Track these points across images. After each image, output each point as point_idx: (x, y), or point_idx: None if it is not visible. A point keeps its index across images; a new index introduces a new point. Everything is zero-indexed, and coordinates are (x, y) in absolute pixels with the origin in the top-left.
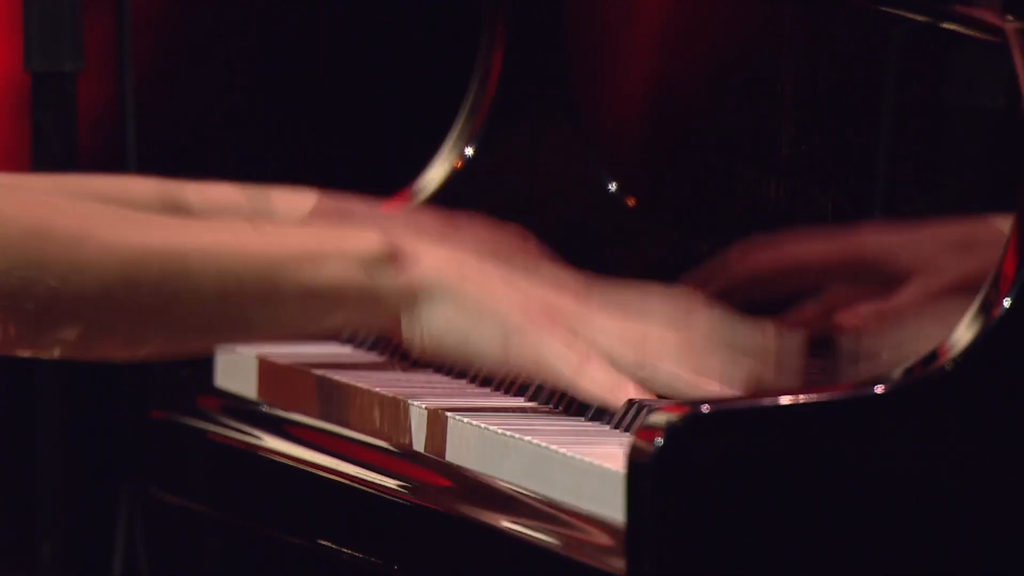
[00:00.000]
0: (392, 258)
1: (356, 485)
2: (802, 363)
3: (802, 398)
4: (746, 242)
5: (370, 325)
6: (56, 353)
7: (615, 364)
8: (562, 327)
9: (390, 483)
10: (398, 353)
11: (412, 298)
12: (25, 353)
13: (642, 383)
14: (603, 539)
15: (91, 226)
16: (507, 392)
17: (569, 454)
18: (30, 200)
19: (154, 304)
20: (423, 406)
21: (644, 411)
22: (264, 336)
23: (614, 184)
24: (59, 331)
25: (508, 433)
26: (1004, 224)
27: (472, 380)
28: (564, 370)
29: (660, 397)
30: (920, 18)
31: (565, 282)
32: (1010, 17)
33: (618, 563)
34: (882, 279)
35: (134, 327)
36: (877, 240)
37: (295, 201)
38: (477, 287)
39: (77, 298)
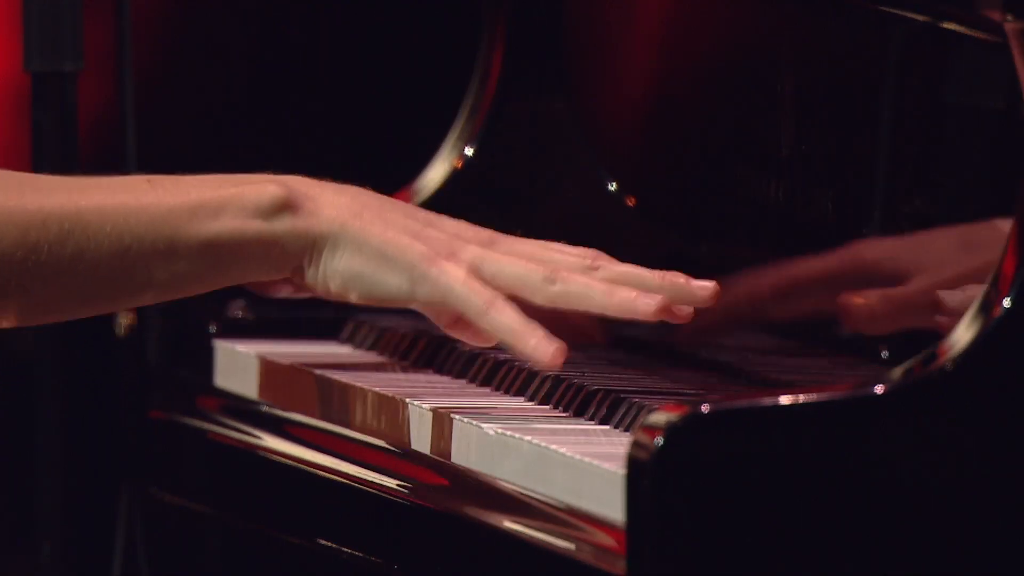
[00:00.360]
0: (290, 205)
1: (356, 485)
2: (711, 298)
3: (802, 398)
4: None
5: (273, 274)
6: None
7: (524, 280)
8: (466, 267)
9: (390, 483)
10: (398, 353)
11: (313, 245)
12: None
13: (554, 300)
14: (603, 539)
15: None
16: (507, 392)
17: (569, 454)
18: None
19: (55, 266)
20: (423, 406)
21: (643, 411)
22: (169, 292)
23: (614, 184)
24: None
25: (508, 433)
26: (1004, 224)
27: (472, 380)
28: (470, 309)
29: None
30: (920, 18)
31: (465, 228)
32: (1010, 17)
33: (618, 563)
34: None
35: (37, 291)
36: (878, 251)
37: None
38: (379, 232)
39: None
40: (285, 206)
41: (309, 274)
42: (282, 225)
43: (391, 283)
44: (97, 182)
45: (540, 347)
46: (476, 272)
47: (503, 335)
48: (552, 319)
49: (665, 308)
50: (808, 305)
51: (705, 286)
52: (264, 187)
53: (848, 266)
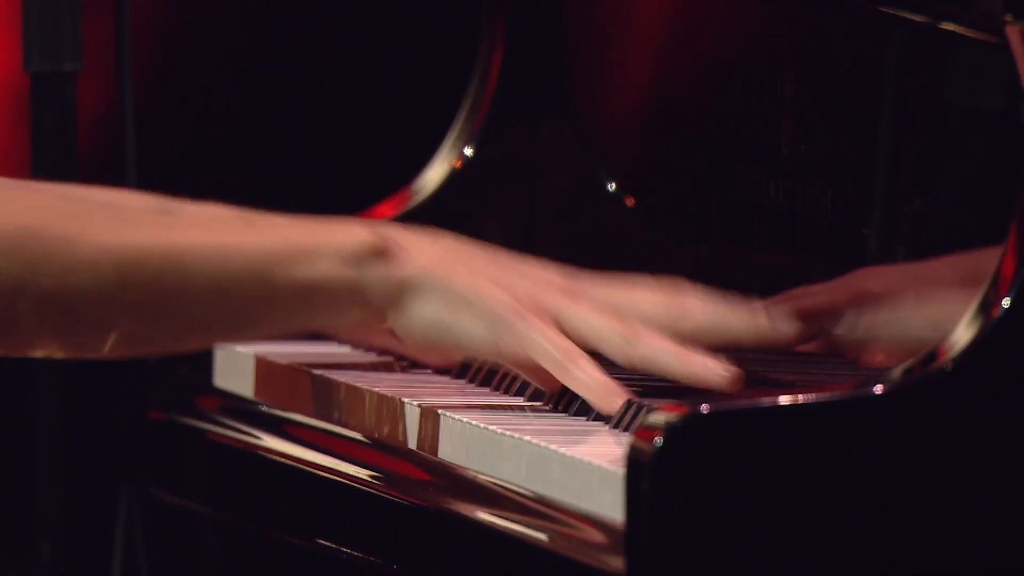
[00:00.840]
0: (381, 252)
1: (355, 485)
2: (793, 333)
3: (801, 398)
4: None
5: (361, 320)
6: (53, 353)
7: (605, 341)
8: (549, 320)
9: (389, 483)
10: (396, 353)
11: (400, 292)
12: (22, 354)
13: (632, 362)
14: (603, 539)
15: (84, 226)
16: (507, 392)
17: (568, 454)
18: (23, 199)
19: (150, 303)
20: (422, 405)
21: (643, 411)
22: (259, 333)
23: (613, 184)
24: (54, 332)
25: (508, 433)
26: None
27: (471, 380)
28: (551, 363)
29: (647, 378)
30: (919, 18)
31: (552, 276)
32: (1010, 17)
33: (617, 563)
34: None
35: (130, 326)
36: (882, 282)
37: None
38: (464, 281)
39: (72, 299)
40: (376, 253)
41: (395, 320)
42: (372, 272)
43: (475, 333)
44: (194, 219)
45: (616, 401)
46: (558, 324)
47: (584, 392)
48: None
49: (740, 378)
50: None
51: (790, 323)
52: (356, 234)
53: (857, 301)
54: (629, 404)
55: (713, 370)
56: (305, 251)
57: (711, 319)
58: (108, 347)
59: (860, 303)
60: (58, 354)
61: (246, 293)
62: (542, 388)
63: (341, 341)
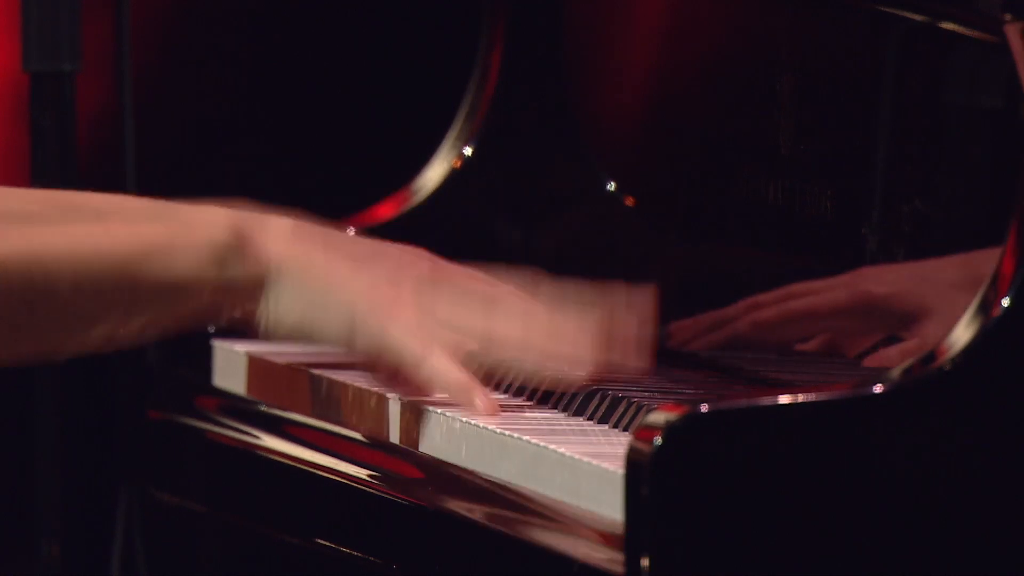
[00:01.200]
0: (239, 246)
1: (354, 484)
2: (651, 328)
3: (801, 397)
4: (751, 300)
5: (224, 315)
6: None
7: (459, 346)
8: (407, 308)
9: (389, 483)
10: None
11: (260, 285)
12: None
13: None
14: (602, 539)
15: None
16: (506, 391)
17: (567, 454)
18: None
19: (17, 310)
20: (421, 405)
21: (642, 411)
22: (127, 334)
23: (612, 184)
24: None
25: (507, 432)
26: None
27: None
28: (406, 358)
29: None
30: (919, 17)
31: (413, 261)
32: (1009, 16)
33: (617, 563)
34: (891, 321)
35: (5, 334)
36: (883, 281)
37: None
38: (322, 271)
39: None
40: (235, 247)
41: (260, 317)
42: (233, 268)
43: (330, 330)
44: (53, 227)
45: (478, 402)
46: (415, 316)
47: (439, 387)
48: None
49: (596, 372)
50: (808, 331)
51: (639, 362)
52: (215, 227)
53: (855, 302)
54: (629, 403)
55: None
56: (163, 249)
57: (517, 354)
58: None
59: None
60: None
61: (107, 294)
62: (402, 396)
63: None
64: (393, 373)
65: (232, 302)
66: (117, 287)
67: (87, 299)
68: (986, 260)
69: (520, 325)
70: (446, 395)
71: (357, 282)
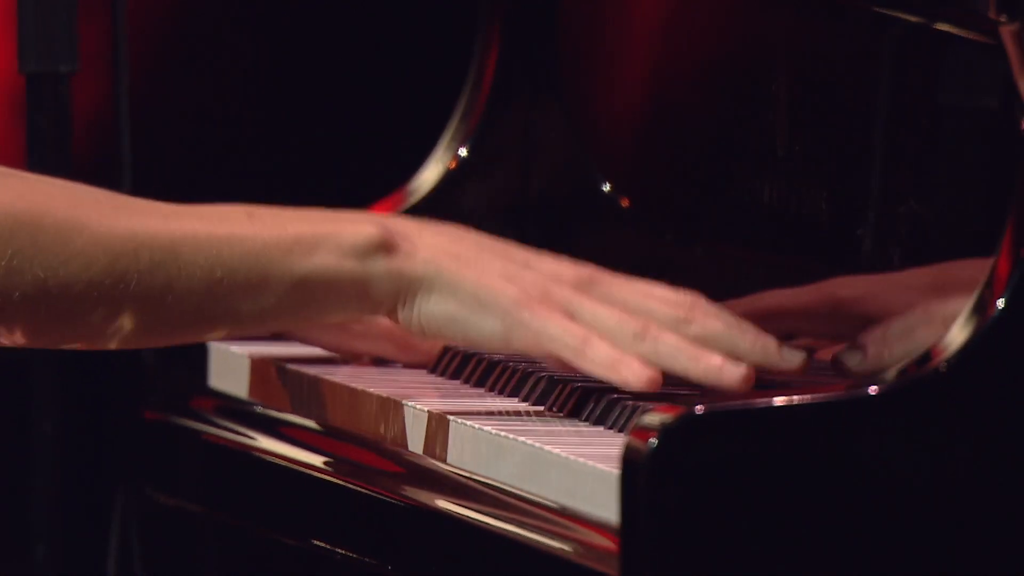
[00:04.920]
0: (386, 246)
1: (350, 485)
2: (798, 366)
3: (796, 399)
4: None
5: (366, 314)
6: (42, 343)
7: (614, 334)
8: (560, 311)
9: (384, 484)
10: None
11: (407, 286)
12: (15, 343)
13: (643, 357)
14: (598, 540)
15: (82, 215)
16: (502, 393)
17: (564, 455)
18: (24, 187)
19: (143, 294)
20: (418, 407)
21: (638, 412)
22: (256, 327)
23: (608, 185)
24: (45, 321)
25: (503, 434)
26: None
27: (467, 381)
28: (565, 350)
29: (662, 375)
30: (914, 19)
31: (562, 270)
32: (1004, 17)
33: (612, 564)
34: (859, 325)
35: (122, 317)
36: (852, 285)
37: None
38: (474, 276)
39: (64, 289)
40: (381, 246)
41: (403, 315)
42: (377, 266)
43: (485, 328)
44: (193, 210)
45: (634, 376)
46: (569, 316)
47: (601, 373)
48: None
49: (751, 378)
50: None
51: (797, 355)
52: (361, 226)
53: (824, 303)
54: (624, 405)
55: (726, 369)
56: (307, 243)
57: (720, 329)
58: (99, 339)
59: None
60: (48, 345)
61: (241, 284)
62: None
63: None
64: (556, 362)
65: (373, 302)
66: (253, 278)
67: (220, 290)
68: (961, 266)
69: (672, 335)
70: (612, 378)
71: (508, 287)
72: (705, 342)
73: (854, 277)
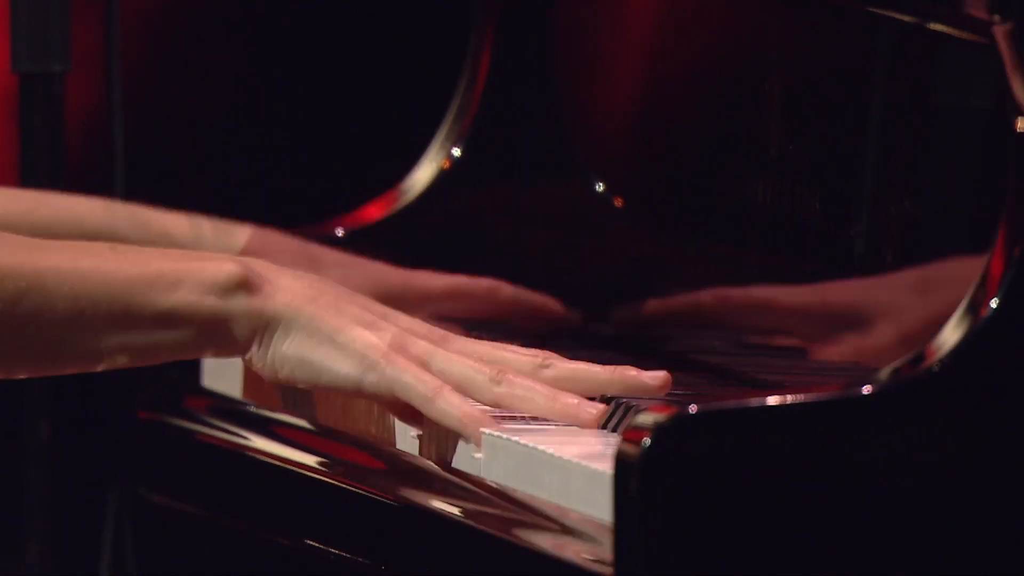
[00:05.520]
0: (247, 285)
1: (343, 486)
2: (659, 393)
3: (789, 399)
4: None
5: (224, 353)
6: None
7: (470, 381)
8: (416, 361)
9: (377, 484)
10: None
11: (264, 325)
12: None
13: (499, 401)
14: (591, 539)
15: None
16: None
17: (558, 455)
18: None
19: (7, 324)
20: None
21: (631, 412)
22: (120, 360)
23: (601, 184)
24: None
25: (496, 434)
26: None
27: None
28: (417, 398)
29: (513, 418)
30: (908, 19)
31: (417, 325)
32: (998, 18)
33: (606, 564)
34: (848, 325)
35: None
36: (842, 289)
37: (228, 235)
38: (332, 320)
39: None
40: (242, 285)
41: (257, 356)
42: (237, 304)
43: (339, 371)
44: (59, 244)
45: (475, 430)
46: (424, 366)
47: (449, 423)
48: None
49: (602, 415)
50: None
51: (656, 376)
52: (223, 264)
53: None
54: (618, 405)
55: (582, 407)
56: (167, 278)
57: (575, 366)
58: None
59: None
60: None
61: (103, 317)
62: (407, 424)
63: None
64: (403, 411)
65: (231, 340)
66: (115, 311)
67: (83, 322)
68: (954, 265)
69: (527, 380)
70: (458, 429)
71: (368, 332)
72: (561, 383)
73: (846, 281)
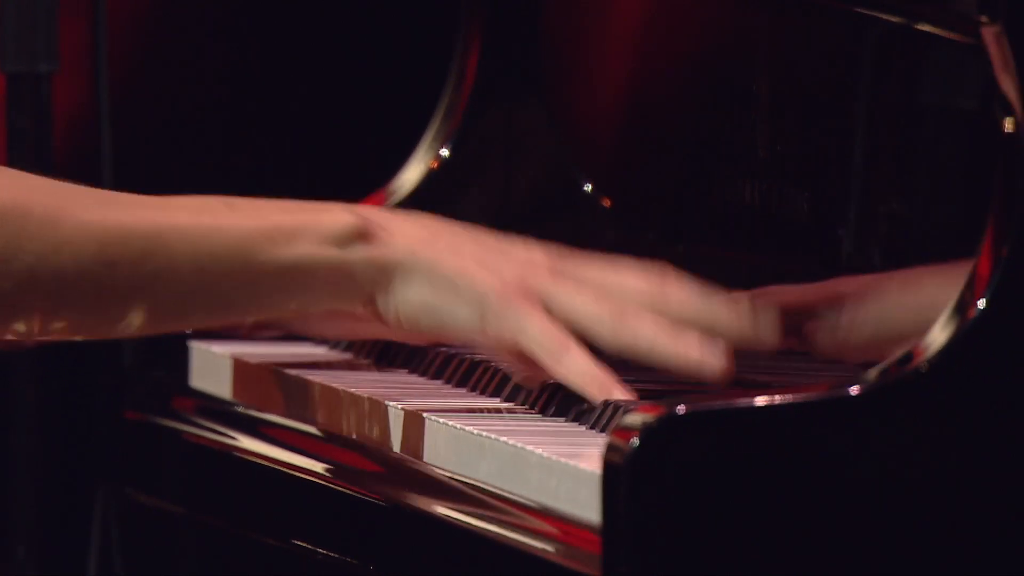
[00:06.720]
0: (365, 234)
1: (331, 486)
2: (776, 338)
3: (778, 399)
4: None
5: (346, 303)
6: (36, 333)
7: (593, 324)
8: (538, 305)
9: (366, 484)
10: (373, 353)
11: (385, 274)
12: (16, 335)
13: (622, 349)
14: (579, 540)
15: (68, 205)
16: (483, 393)
17: (545, 455)
18: (7, 178)
19: (132, 283)
20: (399, 407)
21: (620, 411)
22: (244, 315)
23: (589, 185)
24: (38, 310)
25: (484, 434)
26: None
27: (448, 381)
28: (542, 353)
29: (646, 378)
30: (895, 19)
31: (538, 256)
32: (986, 17)
33: (594, 564)
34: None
35: (112, 306)
36: (850, 287)
37: None
38: (451, 263)
39: (55, 277)
40: (360, 235)
41: (380, 304)
42: (356, 254)
43: (460, 316)
44: (177, 202)
45: (604, 393)
46: (546, 306)
47: (575, 384)
48: None
49: (731, 371)
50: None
51: (769, 327)
52: (339, 215)
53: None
54: (607, 404)
55: (707, 357)
56: (288, 232)
57: (698, 308)
58: (89, 329)
59: (837, 303)
60: (42, 335)
61: (229, 274)
62: (523, 383)
63: (316, 340)
64: (519, 356)
65: (353, 290)
66: (238, 267)
67: (206, 278)
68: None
69: (650, 321)
70: (585, 390)
71: (486, 277)
72: (684, 322)
73: (854, 280)
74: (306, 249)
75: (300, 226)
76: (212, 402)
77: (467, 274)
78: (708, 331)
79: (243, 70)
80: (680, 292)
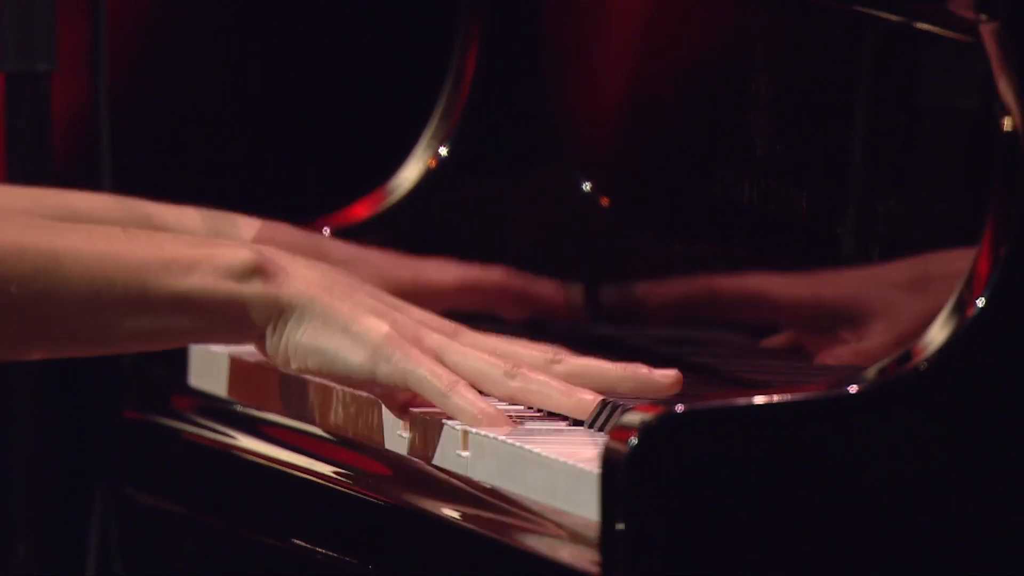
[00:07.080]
0: (262, 271)
1: (330, 485)
2: (671, 392)
3: (776, 398)
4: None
5: (238, 338)
6: None
7: (485, 375)
8: (430, 352)
9: (364, 483)
10: None
11: (279, 311)
12: None
13: (513, 395)
14: (578, 539)
15: None
16: (483, 393)
17: (544, 454)
18: None
19: (24, 303)
20: (404, 409)
21: (618, 411)
22: (134, 344)
23: (588, 184)
24: None
25: (483, 433)
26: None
27: None
28: (432, 392)
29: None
30: (894, 18)
31: (431, 318)
32: (984, 16)
33: (593, 563)
34: (835, 324)
35: (3, 326)
36: (836, 283)
37: (234, 227)
38: (346, 309)
39: None
40: (256, 271)
41: (271, 343)
42: (252, 289)
43: (353, 361)
44: (74, 226)
45: (493, 426)
46: (438, 359)
47: (465, 419)
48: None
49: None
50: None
51: (667, 374)
52: (238, 251)
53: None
54: (605, 404)
55: (596, 402)
56: (185, 263)
57: (587, 362)
58: None
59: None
60: None
61: (119, 300)
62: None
63: None
64: (407, 403)
65: (247, 322)
66: (132, 294)
67: (99, 304)
68: (940, 264)
69: (543, 374)
70: (472, 426)
71: (382, 322)
72: (573, 378)
73: (836, 274)
74: (202, 280)
75: (198, 258)
76: (211, 401)
77: (360, 320)
78: (598, 381)
79: (242, 69)
80: (574, 359)
